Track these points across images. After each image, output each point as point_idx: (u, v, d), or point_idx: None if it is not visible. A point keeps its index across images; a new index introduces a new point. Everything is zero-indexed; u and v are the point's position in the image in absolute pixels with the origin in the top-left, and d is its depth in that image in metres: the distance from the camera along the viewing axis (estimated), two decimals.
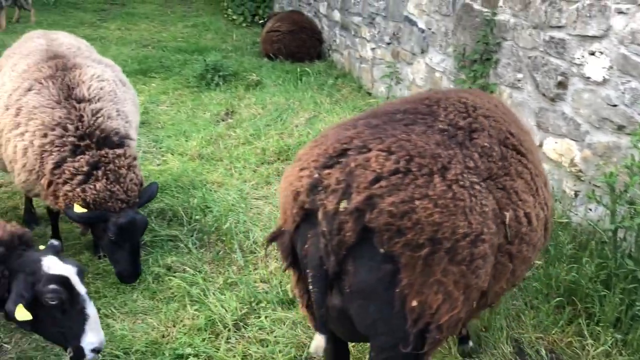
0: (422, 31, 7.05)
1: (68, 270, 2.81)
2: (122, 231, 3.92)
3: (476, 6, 5.79)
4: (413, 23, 7.26)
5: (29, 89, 4.07)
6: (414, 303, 2.17)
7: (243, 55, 11.06)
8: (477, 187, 2.32)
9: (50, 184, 3.96)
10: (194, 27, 14.06)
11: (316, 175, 2.27)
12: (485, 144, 2.52)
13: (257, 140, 6.80)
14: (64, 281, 2.75)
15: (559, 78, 4.64)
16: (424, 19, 6.98)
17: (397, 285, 2.17)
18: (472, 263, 2.20)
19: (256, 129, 7.10)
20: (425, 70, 7.08)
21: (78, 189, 3.87)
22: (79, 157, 3.92)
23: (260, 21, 11.64)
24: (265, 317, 3.81)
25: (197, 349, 3.54)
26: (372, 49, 8.66)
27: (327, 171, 2.26)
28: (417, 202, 2.13)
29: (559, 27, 4.61)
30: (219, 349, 3.56)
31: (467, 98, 2.77)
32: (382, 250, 2.15)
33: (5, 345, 3.65)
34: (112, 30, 13.41)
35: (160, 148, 6.73)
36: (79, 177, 3.89)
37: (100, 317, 3.87)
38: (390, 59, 8.03)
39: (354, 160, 2.24)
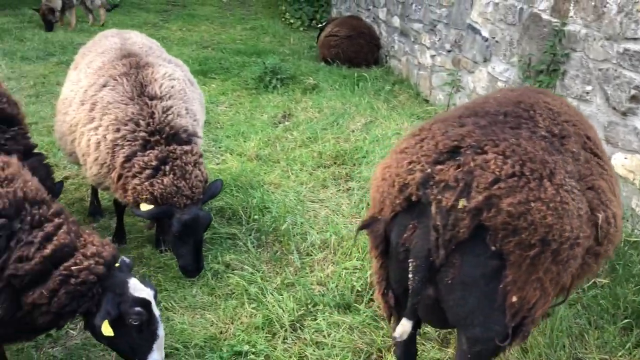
0: (486, 40, 6.95)
1: (149, 294, 2.99)
2: (186, 227, 4.02)
3: (545, 16, 5.66)
4: (476, 31, 7.16)
5: (104, 85, 4.23)
6: (514, 299, 2.34)
7: (300, 59, 11.16)
8: (575, 191, 2.46)
9: (120, 177, 4.09)
10: (252, 29, 14.29)
11: (428, 170, 2.42)
12: (574, 150, 2.67)
13: (313, 144, 6.84)
14: (146, 304, 2.93)
15: (633, 92, 4.49)
16: (488, 27, 6.88)
17: (501, 281, 2.33)
18: (567, 263, 2.38)
19: (313, 132, 7.15)
20: (487, 79, 6.97)
21: (146, 183, 3.98)
22: (148, 152, 4.04)
23: (319, 25, 11.72)
24: (322, 319, 3.82)
25: (254, 347, 3.59)
26: (432, 56, 8.59)
27: (439, 167, 2.41)
28: (532, 204, 2.28)
29: (635, 39, 4.45)
30: (275, 348, 3.61)
31: (549, 103, 2.88)
32: (493, 248, 2.30)
33: (71, 332, 3.80)
34: (173, 30, 13.77)
35: (219, 147, 6.86)
36: (148, 171, 4.00)
37: (160, 310, 4.00)
38: (450, 66, 7.95)
39: (472, 160, 2.38)
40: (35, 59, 10.32)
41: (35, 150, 4.28)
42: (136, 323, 2.89)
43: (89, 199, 5.35)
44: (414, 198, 2.45)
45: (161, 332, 3.06)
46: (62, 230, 2.85)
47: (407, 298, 2.58)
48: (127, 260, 3.20)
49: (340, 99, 8.41)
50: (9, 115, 4.07)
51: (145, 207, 4.00)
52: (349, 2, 13.15)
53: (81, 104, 4.29)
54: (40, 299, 2.76)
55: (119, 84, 4.20)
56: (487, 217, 2.28)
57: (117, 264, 3.06)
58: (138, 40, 4.88)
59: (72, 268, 2.79)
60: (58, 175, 5.96)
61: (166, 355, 3.59)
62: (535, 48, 5.81)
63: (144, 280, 3.06)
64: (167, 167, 4.01)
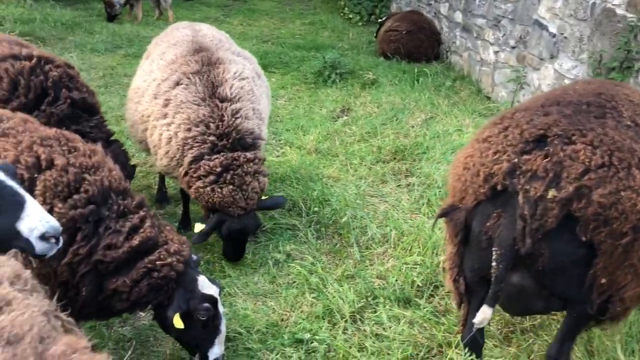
0: (553, 35, 6.75)
1: (215, 291, 3.14)
2: (232, 234, 4.29)
3: (619, 11, 5.46)
4: (543, 27, 6.97)
5: (178, 83, 4.38)
6: (603, 280, 2.40)
7: (359, 53, 11.14)
8: None
9: (185, 174, 4.27)
10: (311, 24, 14.36)
11: (515, 160, 2.46)
12: None
13: (372, 138, 6.84)
14: (214, 301, 3.10)
15: None
16: (556, 23, 6.68)
17: (592, 267, 2.38)
18: None
19: (372, 127, 7.14)
20: (553, 77, 6.78)
21: (208, 188, 4.20)
22: (214, 157, 4.22)
23: (378, 20, 11.67)
24: (382, 312, 3.84)
25: (315, 335, 3.65)
26: (495, 52, 8.42)
27: (526, 157, 2.45)
28: (622, 194, 2.31)
29: None
30: (336, 338, 3.65)
31: (629, 95, 2.86)
32: (583, 238, 2.34)
33: (140, 313, 3.96)
34: (234, 25, 14.00)
35: (279, 140, 6.96)
36: (211, 177, 4.19)
37: (224, 295, 4.12)
38: (514, 63, 7.77)
39: (561, 150, 2.41)
40: (104, 51, 10.72)
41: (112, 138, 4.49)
42: (204, 318, 3.04)
43: (157, 186, 5.54)
44: (499, 187, 2.48)
45: (223, 327, 3.20)
46: (147, 224, 3.02)
47: (479, 285, 2.66)
48: (194, 256, 3.34)
49: (400, 94, 8.36)
50: (90, 105, 4.28)
51: (198, 227, 4.26)
52: None
53: (154, 97, 4.45)
54: (122, 286, 2.92)
55: (191, 83, 4.36)
56: (577, 207, 2.31)
57: None
58: (209, 32, 5.01)
59: (157, 262, 2.96)
60: None
61: (230, 339, 3.70)
62: (608, 44, 5.62)
63: (210, 278, 3.22)
64: (229, 176, 4.19)
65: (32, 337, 1.59)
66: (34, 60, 4.10)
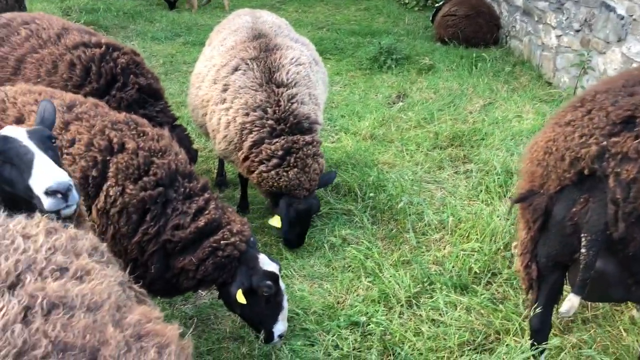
0: (621, 18, 6.46)
1: (276, 268, 3.23)
2: (300, 215, 4.37)
3: None
4: (610, 9, 6.67)
5: (236, 69, 4.47)
6: None
7: (415, 39, 10.99)
8: None
9: (246, 159, 4.35)
10: (366, 10, 14.24)
11: (604, 143, 2.41)
12: None
13: (429, 124, 6.77)
14: (275, 278, 3.19)
15: None
16: (625, 4, 6.38)
17: None
18: None
19: (429, 113, 7.06)
20: (620, 61, 6.49)
21: (273, 172, 4.28)
22: (275, 140, 4.29)
23: (436, 4, 11.44)
24: (439, 298, 3.82)
25: (371, 318, 3.68)
26: (558, 36, 8.12)
27: (614, 139, 2.40)
28: None
29: None
30: (392, 322, 3.67)
31: None
32: None
33: (200, 292, 4.09)
34: (290, 12, 14.06)
35: (334, 126, 6.98)
36: (274, 161, 4.27)
37: (282, 277, 4.18)
38: (578, 47, 7.48)
39: None
40: (164, 39, 11.00)
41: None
42: (266, 294, 3.14)
43: (216, 170, 5.68)
44: (586, 172, 2.44)
45: (285, 303, 3.26)
46: (212, 206, 3.13)
47: (552, 271, 2.66)
48: (252, 239, 3.42)
49: (457, 80, 8.21)
50: (155, 90, 4.43)
51: (274, 220, 4.38)
52: None
53: (214, 82, 4.55)
54: (189, 265, 3.05)
55: (249, 69, 4.44)
56: None
57: None
58: (269, 19, 5.07)
59: (221, 242, 3.07)
60: None
61: (287, 319, 3.78)
62: None
63: (269, 256, 3.30)
64: (292, 159, 4.28)
65: (110, 305, 1.68)
66: (103, 48, 4.27)
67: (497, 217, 4.63)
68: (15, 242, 1.78)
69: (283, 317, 3.28)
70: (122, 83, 4.23)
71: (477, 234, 4.44)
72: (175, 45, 10.70)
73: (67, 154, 2.96)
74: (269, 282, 3.12)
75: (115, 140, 3.02)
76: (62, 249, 1.86)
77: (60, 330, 1.49)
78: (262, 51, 4.55)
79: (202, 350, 3.55)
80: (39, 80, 4.23)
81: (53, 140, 2.34)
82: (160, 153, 3.10)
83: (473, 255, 4.24)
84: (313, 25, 12.58)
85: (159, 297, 3.69)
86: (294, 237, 4.52)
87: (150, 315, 1.77)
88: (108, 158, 2.97)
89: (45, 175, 2.18)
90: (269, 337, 3.30)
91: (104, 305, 1.66)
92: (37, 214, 2.00)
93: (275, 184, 4.30)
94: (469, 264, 4.12)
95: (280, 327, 3.27)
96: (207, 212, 3.08)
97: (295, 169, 4.28)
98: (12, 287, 1.60)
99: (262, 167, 4.29)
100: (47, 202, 2.17)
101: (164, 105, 4.48)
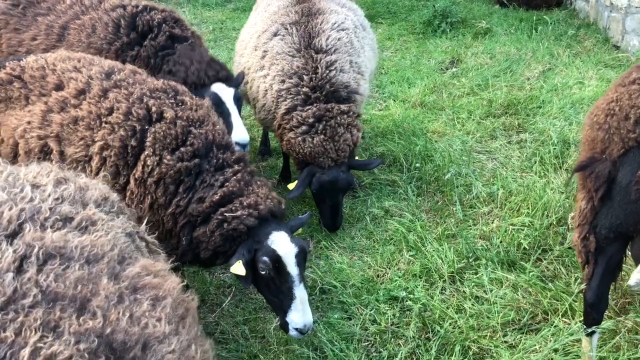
0: None
1: (286, 250, 2.91)
2: (324, 188, 4.13)
3: None
4: None
5: (275, 34, 4.33)
6: None
7: (472, 1, 10.50)
8: None
9: (279, 127, 4.24)
10: None
11: None
12: None
13: (483, 91, 6.45)
14: (275, 258, 2.89)
15: None
16: None
17: None
18: None
19: (483, 79, 6.73)
20: None
21: (299, 138, 4.11)
22: (307, 108, 4.12)
23: None
24: (484, 274, 3.65)
25: (411, 293, 3.55)
26: None
27: None
28: None
29: None
30: (433, 298, 3.53)
31: None
32: None
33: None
34: None
35: (383, 93, 6.77)
36: (303, 128, 4.11)
37: (320, 249, 4.12)
38: None
39: None
40: (214, 6, 10.96)
41: None
42: (263, 272, 2.91)
43: (260, 139, 5.62)
44: None
45: (299, 293, 2.94)
46: (234, 178, 2.99)
47: (612, 243, 2.57)
48: (304, 217, 3.31)
49: (515, 44, 7.79)
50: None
51: (291, 185, 4.21)
52: None
53: (254, 49, 4.45)
54: (202, 236, 2.96)
55: (288, 33, 4.29)
56: None
57: (277, 217, 3.07)
58: None
59: (226, 214, 2.91)
60: None
61: (325, 292, 3.71)
62: None
63: (296, 238, 3.01)
64: (321, 126, 4.08)
65: (110, 258, 1.66)
66: (140, 7, 4.27)
67: (551, 190, 4.37)
68: (23, 191, 1.78)
69: (297, 307, 2.93)
70: (155, 34, 4.19)
71: (528, 208, 4.20)
72: (225, 11, 10.64)
73: (106, 122, 2.92)
74: (264, 259, 2.88)
75: (154, 109, 2.96)
76: (69, 199, 1.84)
77: (52, 280, 1.49)
78: (304, 15, 4.38)
79: (238, 320, 3.54)
80: (80, 44, 4.25)
81: None
82: (198, 123, 3.03)
83: (523, 230, 4.02)
84: None
85: (198, 267, 3.70)
86: (327, 219, 4.23)
87: (151, 268, 1.74)
88: (146, 127, 2.92)
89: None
90: (284, 327, 3.02)
91: (103, 258, 1.65)
92: (48, 164, 2.01)
93: (300, 150, 4.11)
94: (518, 240, 3.91)
95: (295, 319, 2.93)
96: (227, 184, 2.96)
97: (322, 136, 4.08)
98: (11, 236, 1.60)
99: (291, 134, 4.13)
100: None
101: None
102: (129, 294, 1.61)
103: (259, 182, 3.14)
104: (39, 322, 1.38)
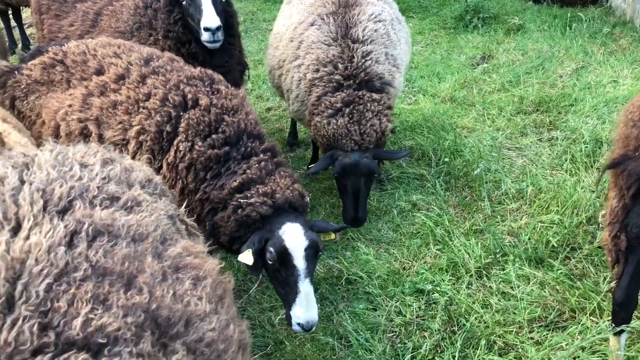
0: None
1: (295, 242, 2.87)
2: (345, 171, 3.97)
3: None
4: None
5: (312, 24, 4.34)
6: None
7: None
8: None
9: (310, 114, 4.23)
10: None
11: None
12: None
13: (514, 88, 6.39)
14: (282, 250, 2.86)
15: None
16: None
17: None
18: None
19: (514, 75, 6.67)
20: None
21: (325, 121, 4.04)
22: (337, 94, 4.07)
23: None
24: (511, 270, 3.65)
25: (437, 287, 3.57)
26: None
27: None
28: None
29: None
30: (459, 292, 3.54)
31: None
32: None
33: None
34: None
35: (412, 88, 6.75)
36: (330, 111, 4.05)
37: (347, 240, 4.16)
38: None
39: None
40: None
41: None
42: (270, 262, 2.90)
43: (289, 130, 5.66)
44: None
45: (304, 288, 2.88)
46: (256, 166, 2.99)
47: None
48: (295, 201, 3.13)
49: (548, 41, 7.69)
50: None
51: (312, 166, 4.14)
52: None
53: (290, 41, 4.46)
54: (220, 221, 3.00)
55: (325, 23, 4.27)
56: None
57: (297, 210, 3.05)
58: None
59: (241, 200, 2.93)
60: (261, 106, 6.41)
61: (350, 282, 3.76)
62: None
63: (310, 232, 2.95)
64: (347, 110, 4.00)
65: (154, 238, 1.72)
66: None
67: (582, 188, 4.33)
68: (72, 169, 1.84)
69: (301, 303, 2.87)
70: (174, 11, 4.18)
71: (557, 206, 4.18)
72: (256, 3, 10.69)
73: (144, 107, 2.99)
74: (270, 249, 2.86)
75: (189, 96, 3.02)
76: (115, 179, 1.90)
77: (102, 256, 1.54)
78: (341, 6, 4.37)
79: (264, 307, 3.60)
80: (109, 29, 4.35)
81: None
82: (232, 111, 3.07)
83: (552, 227, 4.00)
84: None
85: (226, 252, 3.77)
86: (349, 209, 4.03)
87: (192, 249, 1.80)
88: (181, 113, 2.98)
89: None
90: (288, 320, 2.97)
91: (148, 238, 1.70)
92: (94, 144, 2.08)
93: (325, 133, 4.02)
94: (547, 237, 3.89)
95: (298, 313, 2.88)
96: (247, 172, 2.97)
97: (347, 118, 3.98)
98: (62, 212, 1.66)
99: (317, 118, 4.07)
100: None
101: None
102: (171, 273, 1.67)
103: (282, 173, 3.12)
104: (89, 294, 1.45)
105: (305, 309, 2.87)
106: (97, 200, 1.77)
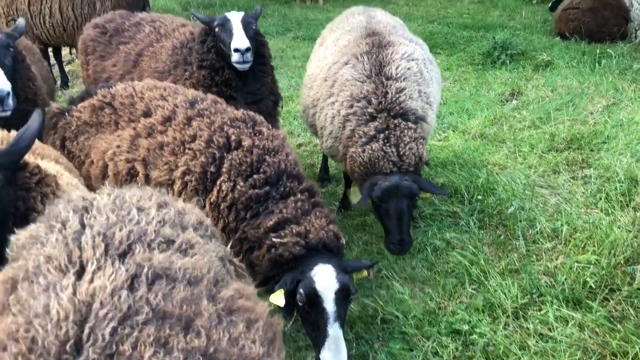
0: None
1: (326, 285, 2.87)
2: (385, 194, 3.82)
3: None
4: None
5: (346, 63, 4.44)
6: None
7: (532, 33, 10.45)
8: None
9: (344, 148, 4.27)
10: (480, 3, 13.77)
11: None
12: None
13: (545, 125, 6.40)
14: (311, 292, 2.86)
15: None
16: None
17: None
18: None
19: (545, 112, 6.68)
20: None
21: (360, 149, 4.00)
22: (370, 124, 4.08)
23: None
24: (549, 311, 3.61)
25: (474, 328, 3.55)
26: None
27: None
28: None
29: None
30: (496, 333, 3.52)
31: None
32: None
33: None
34: (400, 5, 13.91)
35: (442, 124, 6.80)
36: (363, 139, 4.03)
37: (381, 278, 4.16)
38: None
39: None
40: (275, 34, 11.28)
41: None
42: (300, 304, 2.90)
43: (320, 165, 5.74)
44: None
45: (333, 332, 2.86)
46: (292, 205, 3.03)
47: None
48: (330, 242, 3.11)
49: (578, 78, 7.71)
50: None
51: (354, 193, 4.07)
52: None
53: (324, 80, 4.56)
54: (256, 259, 3.05)
55: (359, 62, 4.36)
56: None
57: (331, 250, 3.05)
58: (383, 19, 4.99)
59: (275, 240, 2.97)
60: (292, 142, 6.52)
61: (386, 321, 3.75)
62: None
63: (342, 276, 2.93)
64: (382, 135, 3.97)
65: (208, 280, 1.78)
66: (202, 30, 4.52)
67: (618, 228, 4.29)
68: (130, 213, 1.93)
69: (330, 346, 2.83)
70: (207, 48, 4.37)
71: (594, 246, 4.14)
72: (286, 40, 10.93)
73: (189, 149, 3.10)
74: (300, 291, 2.86)
75: (233, 137, 3.12)
76: (170, 222, 1.98)
77: (161, 299, 1.60)
78: (374, 47, 4.45)
79: (300, 345, 3.61)
80: (149, 70, 4.52)
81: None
82: (273, 152, 3.16)
83: (588, 268, 3.96)
84: (423, 18, 12.36)
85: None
86: (391, 230, 3.90)
87: (243, 291, 1.85)
88: (225, 154, 3.07)
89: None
90: None
91: (202, 280, 1.75)
92: (149, 188, 2.16)
93: (361, 161, 3.96)
94: (584, 278, 3.85)
95: (326, 358, 2.83)
96: (283, 211, 3.00)
97: (382, 142, 3.92)
98: (123, 255, 1.73)
99: (352, 149, 4.03)
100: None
101: None
102: (225, 316, 1.72)
103: (318, 213, 3.14)
104: (151, 338, 1.50)
105: (333, 353, 2.84)
106: (154, 243, 1.84)
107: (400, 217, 3.89)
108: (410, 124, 4.10)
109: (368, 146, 3.99)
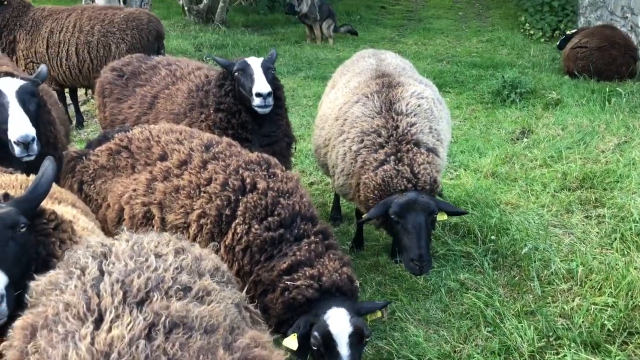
0: None
1: (340, 328, 2.85)
2: (403, 209, 3.75)
3: None
4: None
5: (357, 102, 4.50)
6: None
7: (541, 71, 10.55)
8: None
9: (357, 183, 4.27)
10: (488, 42, 13.94)
11: None
12: None
13: (556, 163, 6.40)
14: (326, 336, 2.84)
15: None
16: None
17: None
18: None
19: (556, 150, 6.69)
20: None
21: (372, 174, 4.00)
22: (380, 150, 4.10)
23: (566, 33, 10.92)
24: (567, 355, 3.55)
25: None
26: None
27: None
28: None
29: None
30: None
31: None
32: None
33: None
34: (409, 45, 14.11)
35: (453, 162, 6.81)
36: (375, 164, 4.05)
37: (395, 320, 4.12)
38: None
39: None
40: (286, 74, 11.44)
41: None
42: (314, 348, 2.88)
43: (332, 204, 5.75)
44: None
45: None
46: (306, 248, 3.03)
47: None
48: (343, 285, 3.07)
49: (588, 116, 7.73)
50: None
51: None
52: (601, 10, 12.02)
53: (335, 120, 4.62)
54: (269, 303, 3.03)
55: (369, 100, 4.43)
56: None
57: (344, 294, 3.03)
58: (393, 61, 5.08)
59: (288, 282, 2.96)
60: (304, 181, 6.55)
61: None
62: None
63: (356, 319, 2.91)
64: (393, 157, 4.00)
65: (224, 328, 1.78)
66: (219, 74, 4.59)
67: (635, 269, 4.24)
68: (148, 260, 1.94)
69: None
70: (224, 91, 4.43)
71: (610, 287, 4.09)
72: (297, 79, 11.09)
73: (205, 192, 3.13)
74: (315, 334, 2.84)
75: (248, 180, 3.14)
76: (187, 269, 1.99)
77: (178, 349, 1.61)
78: (384, 87, 4.52)
79: None
80: (164, 112, 4.59)
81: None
82: (287, 194, 3.18)
83: (606, 310, 3.90)
84: (433, 57, 12.52)
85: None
86: (410, 248, 3.74)
87: (259, 339, 1.84)
88: (240, 197, 3.10)
89: (15, 128, 3.50)
90: None
91: (219, 329, 1.76)
92: (166, 234, 2.17)
93: (374, 185, 3.94)
94: (601, 320, 3.79)
95: None
96: (296, 254, 3.00)
97: (393, 163, 3.95)
98: (141, 303, 1.75)
99: (365, 176, 4.03)
100: (16, 150, 3.51)
101: None
102: None
103: (332, 255, 3.13)
104: None
105: None
106: (172, 290, 1.86)
107: (419, 231, 3.76)
108: (422, 150, 4.11)
109: (380, 169, 3.99)
